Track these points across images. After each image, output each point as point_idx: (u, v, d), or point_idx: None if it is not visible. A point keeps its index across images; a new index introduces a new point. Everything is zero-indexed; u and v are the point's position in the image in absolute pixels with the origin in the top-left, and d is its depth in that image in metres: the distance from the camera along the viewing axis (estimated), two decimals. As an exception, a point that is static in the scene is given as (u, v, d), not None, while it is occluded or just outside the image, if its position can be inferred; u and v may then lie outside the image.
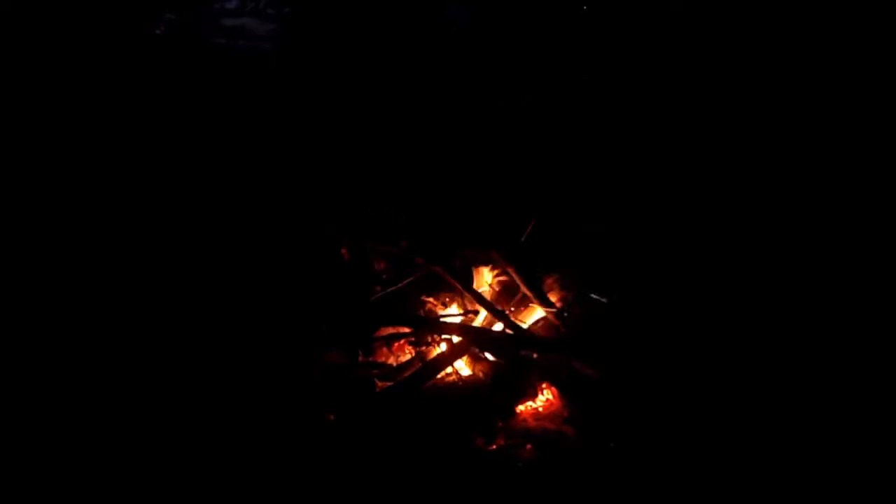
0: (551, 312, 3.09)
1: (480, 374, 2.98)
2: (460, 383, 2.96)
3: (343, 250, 3.46)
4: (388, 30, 4.13)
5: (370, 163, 3.87)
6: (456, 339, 3.06)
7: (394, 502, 2.39)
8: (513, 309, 3.21)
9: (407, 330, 3.15)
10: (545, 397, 2.91)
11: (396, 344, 3.15)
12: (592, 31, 3.80)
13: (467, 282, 3.25)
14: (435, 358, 2.95)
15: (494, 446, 2.66)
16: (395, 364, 3.09)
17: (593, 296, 3.09)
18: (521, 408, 2.86)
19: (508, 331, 3.06)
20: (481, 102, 3.92)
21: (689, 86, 3.55)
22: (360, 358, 3.09)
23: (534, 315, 3.20)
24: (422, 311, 3.37)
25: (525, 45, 3.92)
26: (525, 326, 3.16)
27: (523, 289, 3.15)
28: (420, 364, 2.98)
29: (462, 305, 3.36)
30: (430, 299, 3.40)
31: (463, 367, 3.04)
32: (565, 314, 3.06)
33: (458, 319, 3.21)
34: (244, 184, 3.72)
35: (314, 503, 2.37)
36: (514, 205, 3.57)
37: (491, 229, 3.40)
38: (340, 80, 4.12)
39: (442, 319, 3.23)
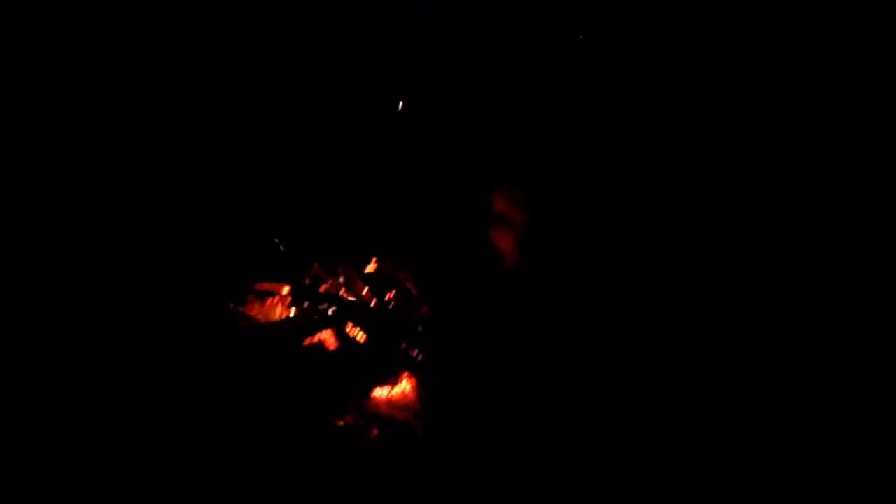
0: None
1: (345, 349, 2.96)
2: (323, 354, 2.92)
3: None
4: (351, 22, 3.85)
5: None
6: (330, 310, 3.03)
7: (221, 459, 2.35)
8: (389, 297, 3.21)
9: (285, 289, 3.10)
10: (403, 387, 2.91)
11: (269, 300, 3.09)
12: (591, 32, 3.64)
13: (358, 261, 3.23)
14: (304, 323, 2.91)
15: (342, 423, 2.65)
16: (263, 321, 3.02)
17: None
18: (378, 392, 2.86)
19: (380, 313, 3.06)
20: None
21: (689, 90, 3.47)
22: (231, 306, 3.01)
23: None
24: (307, 276, 3.31)
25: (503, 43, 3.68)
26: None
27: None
28: (288, 326, 2.94)
29: (348, 280, 3.32)
30: (317, 265, 3.34)
31: (330, 338, 3.01)
32: None
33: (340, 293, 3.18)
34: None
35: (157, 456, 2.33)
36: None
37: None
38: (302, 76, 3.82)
39: (322, 288, 3.18)
